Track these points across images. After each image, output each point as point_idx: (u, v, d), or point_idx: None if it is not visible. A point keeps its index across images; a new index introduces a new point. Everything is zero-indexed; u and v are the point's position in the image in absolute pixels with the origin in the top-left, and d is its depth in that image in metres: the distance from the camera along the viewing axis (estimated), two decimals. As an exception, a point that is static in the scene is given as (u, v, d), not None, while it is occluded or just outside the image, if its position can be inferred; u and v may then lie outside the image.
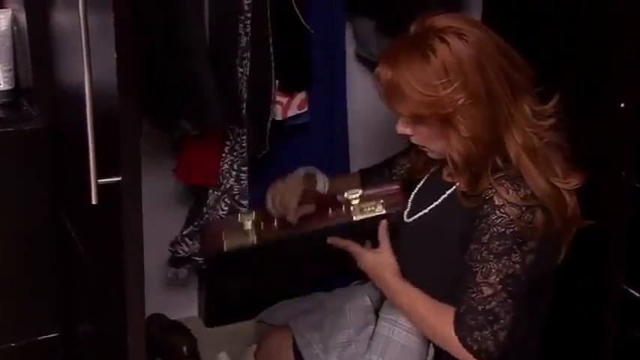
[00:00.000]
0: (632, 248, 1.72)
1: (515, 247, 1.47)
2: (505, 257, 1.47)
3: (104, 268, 1.46)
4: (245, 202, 2.00)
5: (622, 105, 1.67)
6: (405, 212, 1.69)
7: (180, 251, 2.02)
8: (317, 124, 2.14)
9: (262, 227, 1.70)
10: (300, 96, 2.08)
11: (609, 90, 1.71)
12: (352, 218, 1.66)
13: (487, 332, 1.47)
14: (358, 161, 2.13)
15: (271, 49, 1.94)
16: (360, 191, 1.69)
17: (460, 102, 1.48)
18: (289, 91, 2.05)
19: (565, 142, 1.56)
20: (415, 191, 1.71)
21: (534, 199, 1.48)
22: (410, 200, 1.70)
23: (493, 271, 1.47)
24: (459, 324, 1.48)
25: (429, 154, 1.62)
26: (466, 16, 1.69)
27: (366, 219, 1.65)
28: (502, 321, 1.47)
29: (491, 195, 1.49)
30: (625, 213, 1.71)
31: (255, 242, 1.69)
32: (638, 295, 1.72)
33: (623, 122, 1.68)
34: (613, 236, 1.73)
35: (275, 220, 1.70)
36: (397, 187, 1.70)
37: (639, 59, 1.65)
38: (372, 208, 1.65)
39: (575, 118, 1.57)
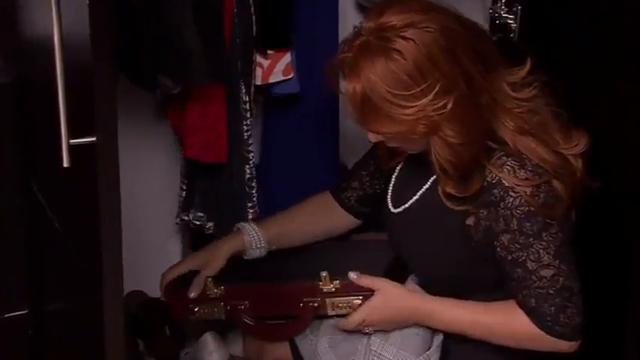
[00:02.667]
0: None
1: (548, 220, 1.47)
2: (545, 233, 1.47)
3: (77, 238, 1.45)
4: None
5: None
6: (389, 201, 1.67)
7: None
8: (305, 95, 2.07)
9: (230, 308, 1.73)
10: (285, 60, 2.02)
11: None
12: (326, 314, 1.65)
13: (570, 309, 1.48)
14: (347, 150, 2.12)
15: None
16: (336, 283, 1.63)
17: (448, 107, 1.43)
18: (262, 48, 1.97)
19: (555, 105, 1.55)
20: (395, 175, 1.69)
21: (543, 170, 1.48)
22: (390, 187, 1.69)
23: (541, 252, 1.47)
24: (538, 318, 1.49)
25: (409, 151, 1.59)
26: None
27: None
28: (576, 290, 1.48)
29: (497, 178, 1.48)
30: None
31: (223, 318, 1.75)
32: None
33: None
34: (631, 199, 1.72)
35: (244, 305, 1.71)
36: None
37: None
38: (348, 306, 1.62)
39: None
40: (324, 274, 1.65)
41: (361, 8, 2.22)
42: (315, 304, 1.65)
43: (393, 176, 1.70)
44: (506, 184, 1.47)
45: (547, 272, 1.47)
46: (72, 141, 1.22)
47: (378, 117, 1.46)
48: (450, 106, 1.43)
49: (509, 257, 1.49)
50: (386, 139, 1.54)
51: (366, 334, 1.62)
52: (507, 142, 1.49)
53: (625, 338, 1.71)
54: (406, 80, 1.42)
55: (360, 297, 1.62)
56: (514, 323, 1.52)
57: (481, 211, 1.50)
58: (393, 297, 1.59)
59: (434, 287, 1.61)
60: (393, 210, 1.66)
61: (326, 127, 2.11)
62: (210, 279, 1.74)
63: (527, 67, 1.53)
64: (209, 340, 1.90)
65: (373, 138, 1.54)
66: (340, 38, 2.07)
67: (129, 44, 1.76)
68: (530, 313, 1.49)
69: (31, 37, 1.61)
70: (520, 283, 1.49)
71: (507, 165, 1.47)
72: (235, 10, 1.91)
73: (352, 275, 1.62)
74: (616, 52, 1.68)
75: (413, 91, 1.42)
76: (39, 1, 1.42)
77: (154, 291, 2.10)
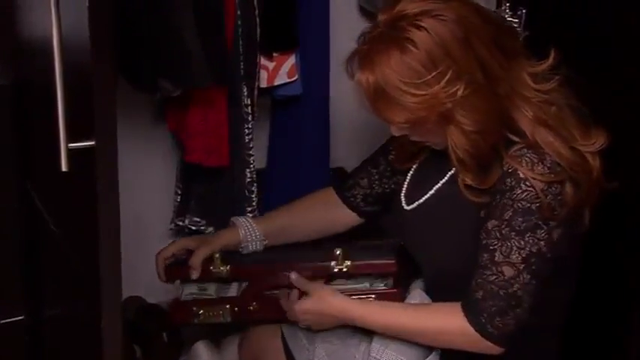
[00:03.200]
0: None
1: (541, 222, 1.46)
2: (529, 234, 1.46)
3: (75, 243, 1.45)
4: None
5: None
6: (402, 199, 1.68)
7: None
8: (306, 97, 2.10)
9: (237, 310, 1.73)
10: (290, 62, 2.04)
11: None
12: None
13: (509, 317, 1.47)
14: (339, 150, 2.14)
15: (255, 2, 1.92)
16: (348, 263, 1.65)
17: (459, 93, 1.44)
18: (268, 51, 1.99)
19: (575, 100, 1.55)
20: (410, 174, 1.69)
21: (561, 168, 1.47)
22: (405, 185, 1.69)
23: (514, 249, 1.46)
24: (475, 312, 1.48)
25: (433, 146, 1.59)
26: None
27: None
28: (525, 305, 1.47)
29: (514, 167, 1.48)
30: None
31: (229, 321, 1.75)
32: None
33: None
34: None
35: (252, 305, 1.71)
36: (392, 261, 1.66)
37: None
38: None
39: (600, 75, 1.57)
40: (338, 251, 1.66)
41: (364, 12, 2.22)
42: None
43: (408, 175, 1.70)
44: (521, 175, 1.47)
45: (508, 271, 1.47)
46: (70, 145, 1.22)
47: (391, 106, 1.48)
48: (461, 92, 1.44)
49: (484, 241, 1.49)
50: (408, 133, 1.55)
51: (364, 341, 1.63)
52: (526, 133, 1.49)
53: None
54: (419, 69, 1.44)
55: (373, 296, 1.64)
56: (449, 317, 1.51)
57: (494, 201, 1.50)
58: (323, 302, 1.61)
59: (443, 286, 1.61)
60: (406, 207, 1.66)
61: (320, 130, 2.13)
62: (217, 255, 1.74)
63: (551, 60, 1.53)
64: (201, 348, 1.89)
65: (396, 131, 1.55)
66: (337, 42, 2.09)
67: (128, 46, 1.76)
68: (470, 303, 1.48)
69: (29, 38, 1.60)
70: (480, 270, 1.49)
71: (526, 157, 1.47)
72: (238, 13, 1.91)
73: (292, 276, 1.66)
74: (618, 53, 1.68)
75: (425, 79, 1.44)
76: (38, 2, 1.42)
77: (152, 296, 2.10)
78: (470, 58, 1.44)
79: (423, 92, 1.44)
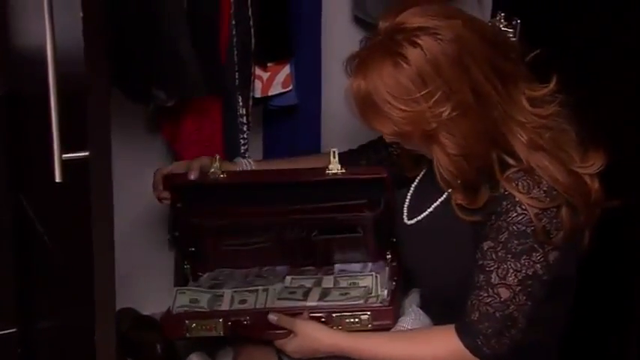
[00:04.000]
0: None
1: (536, 245, 1.46)
2: (525, 256, 1.46)
3: (69, 254, 1.45)
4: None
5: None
6: (405, 213, 1.68)
7: None
8: (299, 107, 2.10)
9: (230, 324, 1.72)
10: (285, 72, 2.04)
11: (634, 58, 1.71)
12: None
13: (505, 338, 1.48)
14: None
15: (250, 12, 1.92)
16: (343, 170, 1.67)
17: (445, 115, 1.44)
18: (263, 61, 2.00)
19: (575, 124, 1.54)
20: (412, 188, 1.70)
21: (557, 193, 1.47)
22: (407, 198, 1.69)
23: (511, 271, 1.46)
24: (471, 334, 1.48)
25: (426, 155, 1.59)
26: (442, 4, 1.56)
27: None
28: (520, 325, 1.48)
29: (511, 190, 1.47)
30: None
31: (222, 334, 1.73)
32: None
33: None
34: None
35: (246, 319, 1.71)
36: (384, 169, 1.68)
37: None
38: (356, 321, 1.64)
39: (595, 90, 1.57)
40: (333, 155, 1.68)
41: (359, 21, 2.23)
42: (323, 319, 1.65)
43: (411, 188, 1.70)
44: (517, 199, 1.46)
45: (504, 293, 1.47)
46: (64, 155, 1.22)
47: (378, 116, 1.48)
48: (447, 113, 1.43)
49: (480, 262, 1.49)
50: (400, 141, 1.56)
51: None
52: (521, 158, 1.48)
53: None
54: (408, 86, 1.44)
55: (368, 313, 1.63)
56: (438, 341, 1.52)
57: (489, 222, 1.50)
58: (311, 340, 1.61)
59: (439, 302, 1.61)
60: (407, 222, 1.66)
61: (312, 140, 2.14)
62: (217, 162, 1.74)
63: (552, 86, 1.53)
64: (194, 360, 1.88)
65: (387, 139, 1.56)
66: (331, 52, 2.10)
67: (122, 56, 1.76)
68: (464, 325, 1.49)
69: (23, 48, 1.60)
70: (475, 291, 1.49)
71: (522, 181, 1.47)
72: (233, 23, 1.91)
73: (272, 317, 1.65)
74: (615, 65, 1.69)
75: (413, 96, 1.44)
76: (32, 13, 1.42)
77: (146, 308, 2.09)
78: (462, 80, 1.43)
79: (410, 109, 1.44)
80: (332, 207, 1.75)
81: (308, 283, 1.77)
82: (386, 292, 1.69)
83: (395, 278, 1.74)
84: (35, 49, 1.37)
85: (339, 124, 2.13)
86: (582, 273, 1.63)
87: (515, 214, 1.47)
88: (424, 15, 1.46)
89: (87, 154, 1.20)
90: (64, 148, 1.22)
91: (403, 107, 1.44)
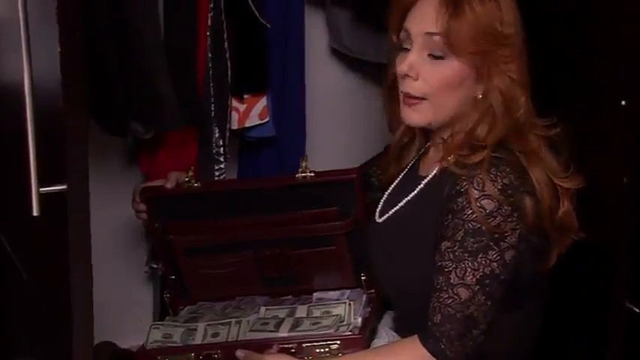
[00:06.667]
0: (636, 262, 1.74)
1: (491, 243, 1.48)
2: (481, 254, 1.48)
3: (46, 288, 1.44)
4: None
5: (623, 103, 1.69)
6: (377, 212, 1.70)
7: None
8: (281, 137, 2.13)
9: (202, 358, 1.71)
10: (261, 104, 2.06)
11: (610, 87, 1.73)
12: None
13: (467, 339, 1.48)
14: None
15: (226, 45, 1.95)
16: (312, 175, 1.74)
17: (517, 43, 1.53)
18: (239, 93, 2.03)
19: (562, 147, 1.58)
20: (389, 191, 1.72)
21: (512, 191, 1.49)
22: (382, 200, 1.72)
23: (469, 270, 1.48)
24: (434, 338, 1.48)
25: (415, 120, 1.60)
26: None
27: None
28: (481, 326, 1.49)
29: (467, 187, 1.50)
30: (628, 223, 1.73)
31: None
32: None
33: (625, 122, 1.70)
34: (614, 249, 1.75)
35: (217, 353, 1.70)
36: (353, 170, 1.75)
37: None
38: (326, 351, 1.65)
39: (574, 119, 1.60)
40: (303, 162, 1.76)
41: (335, 52, 2.25)
42: (293, 350, 1.65)
43: (387, 192, 1.72)
44: (473, 196, 1.49)
45: (463, 293, 1.48)
46: (42, 189, 1.22)
47: (462, 19, 1.51)
48: (518, 44, 1.55)
49: (439, 263, 1.51)
50: (416, 73, 1.56)
51: None
52: (528, 145, 1.54)
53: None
54: (492, 9, 1.52)
55: (338, 342, 1.64)
56: (402, 352, 1.52)
57: (446, 220, 1.52)
58: None
59: (404, 307, 1.63)
60: (377, 219, 1.69)
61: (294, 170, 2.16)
62: (190, 173, 1.80)
63: (552, 119, 1.59)
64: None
65: (407, 65, 1.56)
66: (311, 83, 2.12)
67: (100, 89, 1.77)
68: (429, 330, 1.49)
69: (0, 82, 1.61)
70: (436, 293, 1.50)
71: (478, 177, 1.50)
72: (209, 55, 1.93)
73: (239, 354, 1.66)
74: (614, 74, 1.71)
75: (497, 14, 1.53)
76: (9, 46, 1.42)
77: (124, 342, 2.08)
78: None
79: (494, 24, 1.52)
80: (305, 216, 1.79)
81: (282, 314, 1.78)
82: (359, 319, 1.70)
83: (371, 304, 1.75)
84: (13, 82, 1.38)
85: (320, 154, 2.15)
86: (555, 289, 1.65)
87: (470, 212, 1.48)
88: None
89: (64, 187, 1.20)
90: (42, 181, 1.23)
91: (502, 29, 1.53)
